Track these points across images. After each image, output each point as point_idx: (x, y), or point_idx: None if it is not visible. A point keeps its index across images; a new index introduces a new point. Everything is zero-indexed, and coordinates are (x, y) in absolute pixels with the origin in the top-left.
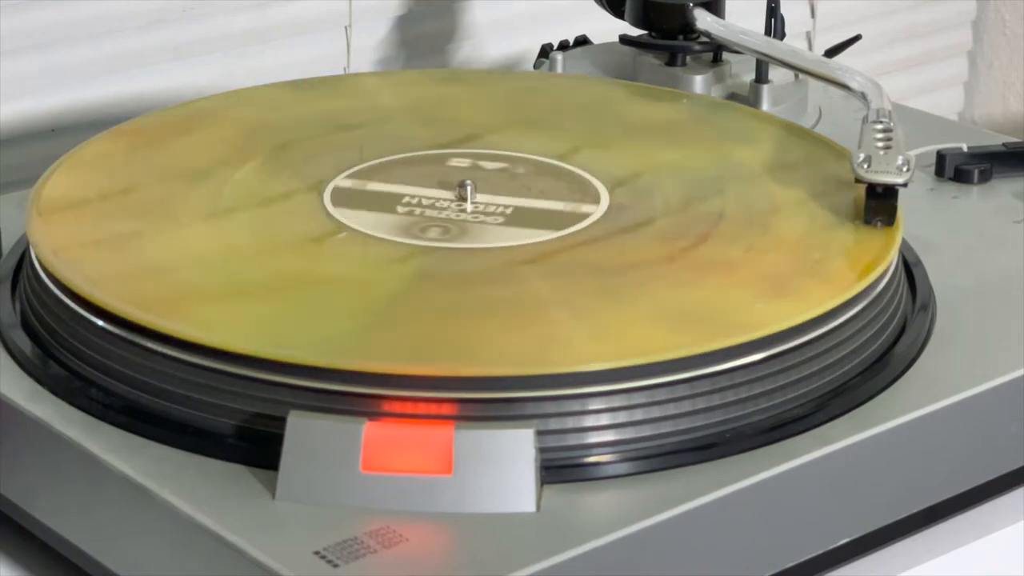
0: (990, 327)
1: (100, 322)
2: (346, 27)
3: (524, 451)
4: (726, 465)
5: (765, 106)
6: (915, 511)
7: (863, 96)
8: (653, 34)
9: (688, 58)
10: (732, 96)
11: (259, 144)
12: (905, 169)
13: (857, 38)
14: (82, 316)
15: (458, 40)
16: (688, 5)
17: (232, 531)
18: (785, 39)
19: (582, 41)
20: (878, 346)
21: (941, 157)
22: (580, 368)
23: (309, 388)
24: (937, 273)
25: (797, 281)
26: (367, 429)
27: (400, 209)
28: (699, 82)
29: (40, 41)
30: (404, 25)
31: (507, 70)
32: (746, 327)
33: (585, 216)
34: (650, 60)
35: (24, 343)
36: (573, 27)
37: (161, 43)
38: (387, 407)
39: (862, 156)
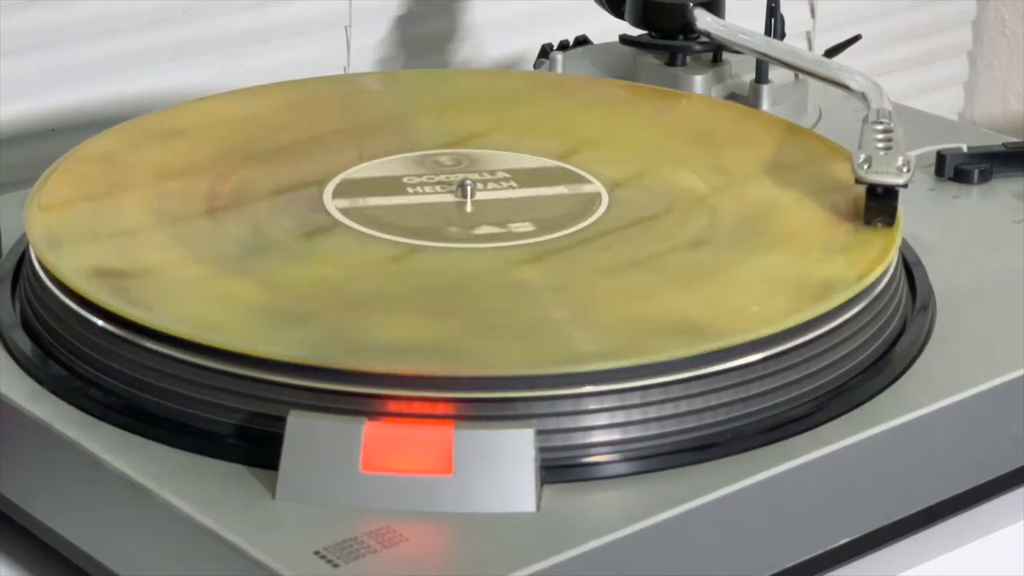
0: (990, 327)
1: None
2: (346, 27)
3: (524, 451)
4: (726, 465)
5: (765, 106)
6: (915, 511)
7: (863, 96)
8: (653, 34)
9: (688, 58)
10: (732, 96)
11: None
12: (905, 170)
13: (857, 38)
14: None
15: (458, 40)
16: (688, 5)
17: (232, 531)
18: (785, 39)
19: (582, 41)
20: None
21: (941, 157)
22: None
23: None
24: (937, 273)
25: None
26: (367, 429)
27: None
28: (699, 82)
29: (40, 41)
30: (404, 25)
31: (507, 70)
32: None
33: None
34: (650, 60)
35: (24, 343)
36: (573, 27)
37: (161, 43)
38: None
39: (862, 156)
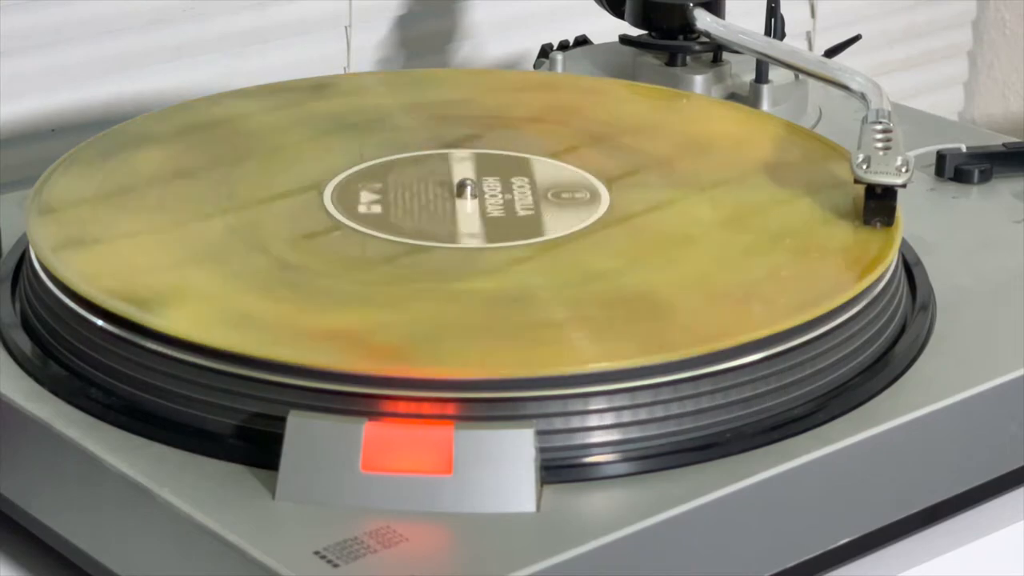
0: (990, 327)
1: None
2: (346, 27)
3: (524, 451)
4: (726, 465)
5: (765, 106)
6: (915, 511)
7: (863, 96)
8: (653, 34)
9: (688, 58)
10: (732, 96)
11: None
12: (904, 170)
13: (857, 38)
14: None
15: (458, 40)
16: (688, 5)
17: (232, 531)
18: (785, 39)
19: (582, 41)
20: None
21: (941, 157)
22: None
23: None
24: (937, 273)
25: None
26: (367, 429)
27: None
28: (699, 82)
29: (40, 41)
30: (404, 25)
31: (507, 70)
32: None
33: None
34: (650, 60)
35: (24, 343)
36: (573, 27)
37: (161, 43)
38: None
39: (861, 157)
